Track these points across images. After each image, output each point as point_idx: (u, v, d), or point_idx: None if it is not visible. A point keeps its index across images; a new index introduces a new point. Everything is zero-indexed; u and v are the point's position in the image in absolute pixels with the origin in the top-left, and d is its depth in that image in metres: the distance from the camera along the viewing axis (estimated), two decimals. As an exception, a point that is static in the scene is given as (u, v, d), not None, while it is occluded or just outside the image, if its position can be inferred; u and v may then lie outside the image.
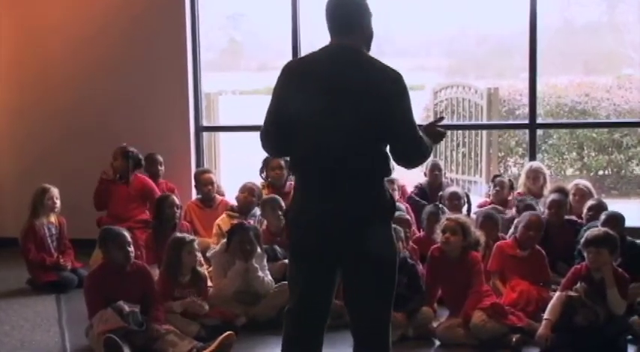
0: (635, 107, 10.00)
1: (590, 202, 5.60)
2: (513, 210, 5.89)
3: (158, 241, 5.35)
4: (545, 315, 4.41)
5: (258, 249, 4.98)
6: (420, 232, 5.67)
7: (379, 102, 2.93)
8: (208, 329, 4.55)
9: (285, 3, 6.88)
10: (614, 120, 9.92)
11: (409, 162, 3.13)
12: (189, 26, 6.90)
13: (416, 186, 6.50)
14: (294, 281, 3.15)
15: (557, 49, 11.45)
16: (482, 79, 12.00)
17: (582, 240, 4.57)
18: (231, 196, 6.32)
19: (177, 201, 5.69)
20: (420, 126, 3.08)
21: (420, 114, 10.28)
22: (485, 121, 9.38)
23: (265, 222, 5.67)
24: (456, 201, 5.90)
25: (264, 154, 5.09)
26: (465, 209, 5.95)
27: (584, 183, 6.17)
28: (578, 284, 4.41)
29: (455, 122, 9.60)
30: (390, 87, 2.96)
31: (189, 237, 4.93)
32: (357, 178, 2.99)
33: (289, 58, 6.61)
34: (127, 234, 4.64)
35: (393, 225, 3.22)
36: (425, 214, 5.56)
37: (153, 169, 6.52)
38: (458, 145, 9.68)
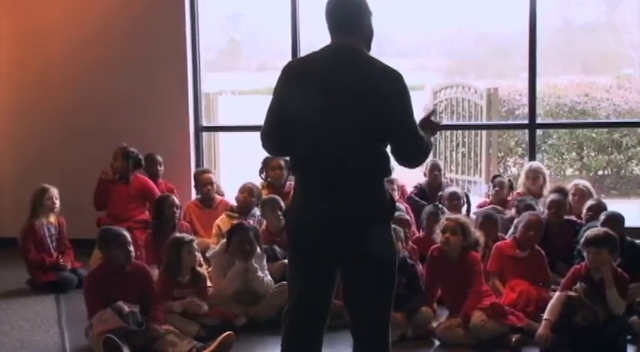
0: (634, 107, 10.00)
1: (589, 202, 5.60)
2: (513, 210, 5.88)
3: (158, 241, 5.35)
4: (545, 315, 4.40)
5: (258, 249, 4.98)
6: (419, 232, 5.67)
7: (379, 102, 2.93)
8: (208, 329, 4.55)
9: (284, 3, 6.87)
10: (613, 120, 9.92)
11: (411, 162, 3.13)
12: (189, 26, 6.89)
13: (415, 187, 6.50)
14: (293, 282, 3.15)
15: (557, 49, 11.46)
16: (481, 79, 12.00)
17: (582, 240, 4.56)
18: (230, 196, 6.32)
19: (176, 201, 5.69)
20: None
21: (420, 114, 10.21)
22: (484, 121, 9.37)
23: (265, 222, 5.67)
24: (456, 201, 5.90)
25: (264, 154, 5.10)
26: (464, 209, 5.95)
27: (584, 183, 6.16)
28: (578, 285, 4.41)
29: (454, 122, 9.62)
30: (390, 87, 2.96)
31: (188, 237, 4.93)
32: (356, 178, 2.98)
33: (289, 58, 6.61)
34: (126, 233, 4.63)
35: (393, 225, 3.22)
36: (424, 214, 5.56)
37: (152, 169, 6.51)
38: (457, 145, 9.67)
